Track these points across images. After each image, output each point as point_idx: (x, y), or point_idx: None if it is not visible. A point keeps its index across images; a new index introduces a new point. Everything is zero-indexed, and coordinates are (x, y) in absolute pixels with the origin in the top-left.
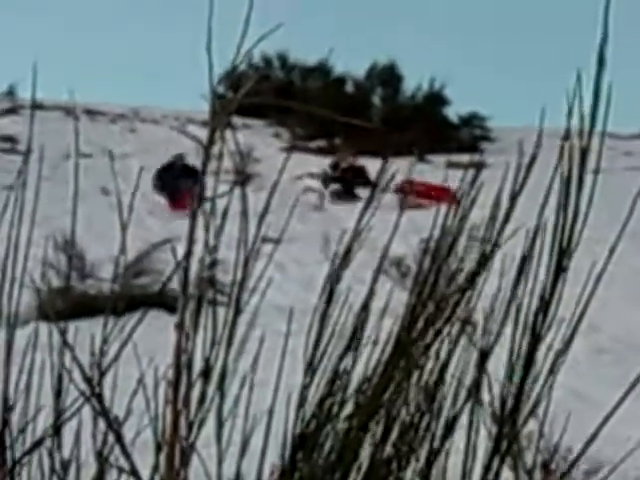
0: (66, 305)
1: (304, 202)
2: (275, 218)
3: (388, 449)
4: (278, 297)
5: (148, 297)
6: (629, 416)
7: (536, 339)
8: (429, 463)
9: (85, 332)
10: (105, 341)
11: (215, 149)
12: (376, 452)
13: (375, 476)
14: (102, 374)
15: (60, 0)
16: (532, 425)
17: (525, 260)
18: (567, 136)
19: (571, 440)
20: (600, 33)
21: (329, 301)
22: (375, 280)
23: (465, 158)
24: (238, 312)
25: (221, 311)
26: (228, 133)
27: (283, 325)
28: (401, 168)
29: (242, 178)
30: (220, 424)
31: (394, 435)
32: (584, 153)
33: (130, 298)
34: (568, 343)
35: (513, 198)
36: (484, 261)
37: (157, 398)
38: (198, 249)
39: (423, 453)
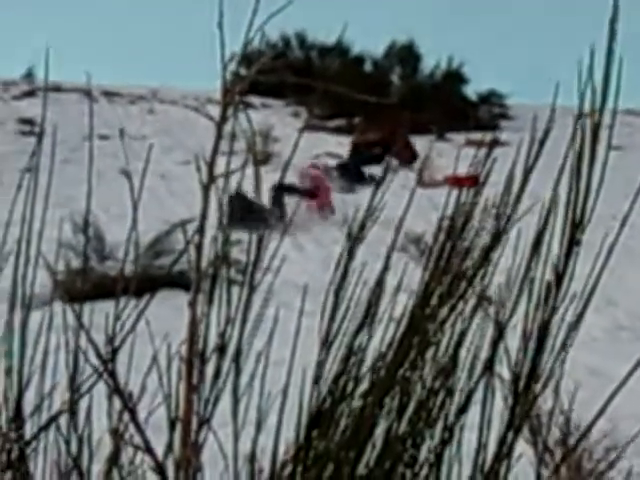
0: (85, 286)
1: None
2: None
3: (403, 426)
4: (298, 276)
5: (165, 277)
6: None
7: (550, 312)
8: (444, 440)
9: (104, 313)
10: (118, 318)
11: (228, 127)
12: (391, 429)
13: (390, 453)
14: (115, 351)
15: None
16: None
17: (540, 235)
18: (579, 113)
19: (591, 417)
20: (611, 7)
21: (344, 277)
22: (389, 256)
23: (484, 136)
24: (253, 289)
25: (237, 290)
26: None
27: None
28: (420, 146)
29: (259, 157)
30: (236, 400)
31: (409, 412)
32: (595, 129)
33: (150, 279)
34: (581, 315)
35: (526, 173)
36: (498, 236)
37: (170, 375)
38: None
39: (438, 430)
